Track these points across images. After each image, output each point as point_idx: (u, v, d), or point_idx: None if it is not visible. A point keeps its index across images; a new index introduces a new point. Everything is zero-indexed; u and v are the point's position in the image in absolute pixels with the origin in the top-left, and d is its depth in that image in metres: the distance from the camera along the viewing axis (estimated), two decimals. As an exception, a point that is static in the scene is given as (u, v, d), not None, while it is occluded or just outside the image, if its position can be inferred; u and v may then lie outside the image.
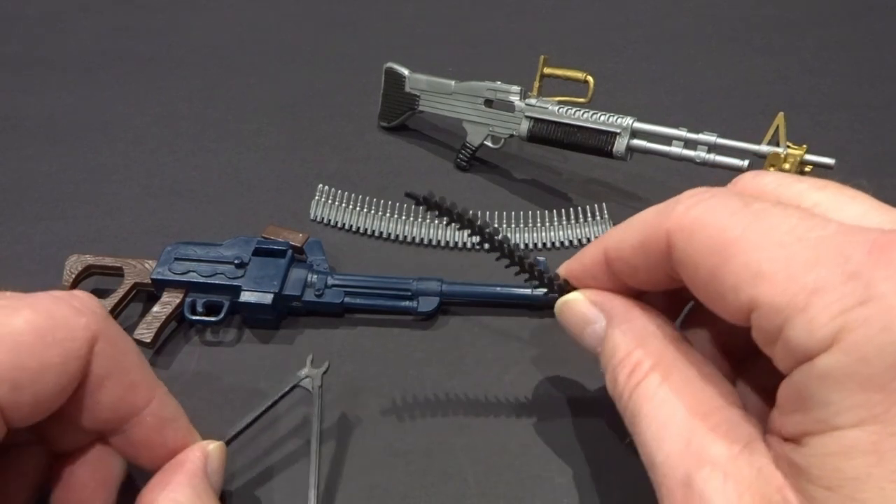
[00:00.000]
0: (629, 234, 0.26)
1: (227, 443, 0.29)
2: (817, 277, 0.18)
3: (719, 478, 0.20)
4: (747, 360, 0.27)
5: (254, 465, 0.32)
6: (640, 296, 0.28)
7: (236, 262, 0.38)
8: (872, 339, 0.17)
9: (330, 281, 0.38)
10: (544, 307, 0.37)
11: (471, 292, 0.38)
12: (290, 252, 0.39)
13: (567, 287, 0.29)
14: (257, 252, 0.38)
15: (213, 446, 0.27)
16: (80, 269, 0.39)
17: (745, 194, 0.23)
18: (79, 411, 0.24)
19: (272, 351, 0.37)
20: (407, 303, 0.38)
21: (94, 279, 0.40)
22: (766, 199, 0.23)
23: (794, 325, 0.19)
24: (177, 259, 0.38)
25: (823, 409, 0.18)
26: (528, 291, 0.38)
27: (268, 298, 0.37)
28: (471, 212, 0.27)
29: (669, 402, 0.23)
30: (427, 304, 0.38)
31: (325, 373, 0.31)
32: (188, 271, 0.37)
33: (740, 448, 0.21)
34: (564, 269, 0.30)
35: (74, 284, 0.39)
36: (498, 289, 0.38)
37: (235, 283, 0.37)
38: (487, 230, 0.28)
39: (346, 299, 0.38)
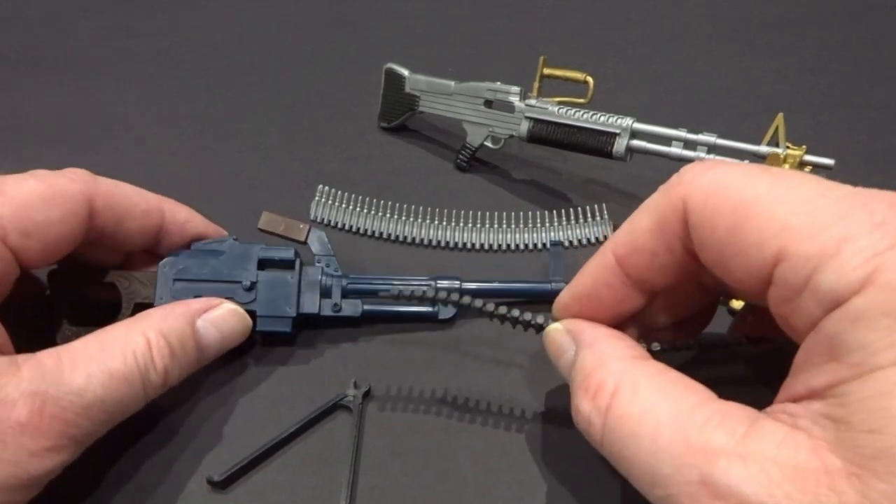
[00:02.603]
0: (640, 223, 0.26)
1: (264, 455, 0.32)
2: (846, 226, 0.19)
3: (739, 464, 0.19)
4: None
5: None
6: (651, 301, 0.28)
7: (244, 285, 0.35)
8: None
9: (346, 286, 0.37)
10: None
11: (489, 290, 0.38)
12: (298, 262, 0.36)
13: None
14: (262, 264, 0.35)
15: (222, 306, 0.33)
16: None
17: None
18: (118, 243, 0.33)
19: (289, 357, 0.37)
20: (427, 308, 0.37)
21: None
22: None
23: (825, 270, 0.19)
24: (176, 280, 0.34)
25: (860, 351, 0.18)
26: (548, 287, 0.37)
27: (286, 325, 0.35)
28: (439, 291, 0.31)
29: (650, 412, 0.22)
30: (447, 311, 0.37)
31: (366, 393, 0.34)
32: (194, 295, 0.34)
33: (745, 430, 0.20)
34: (567, 291, 0.29)
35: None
36: (517, 285, 0.38)
37: (248, 307, 0.34)
38: (463, 301, 0.30)
39: (366, 307, 0.37)
